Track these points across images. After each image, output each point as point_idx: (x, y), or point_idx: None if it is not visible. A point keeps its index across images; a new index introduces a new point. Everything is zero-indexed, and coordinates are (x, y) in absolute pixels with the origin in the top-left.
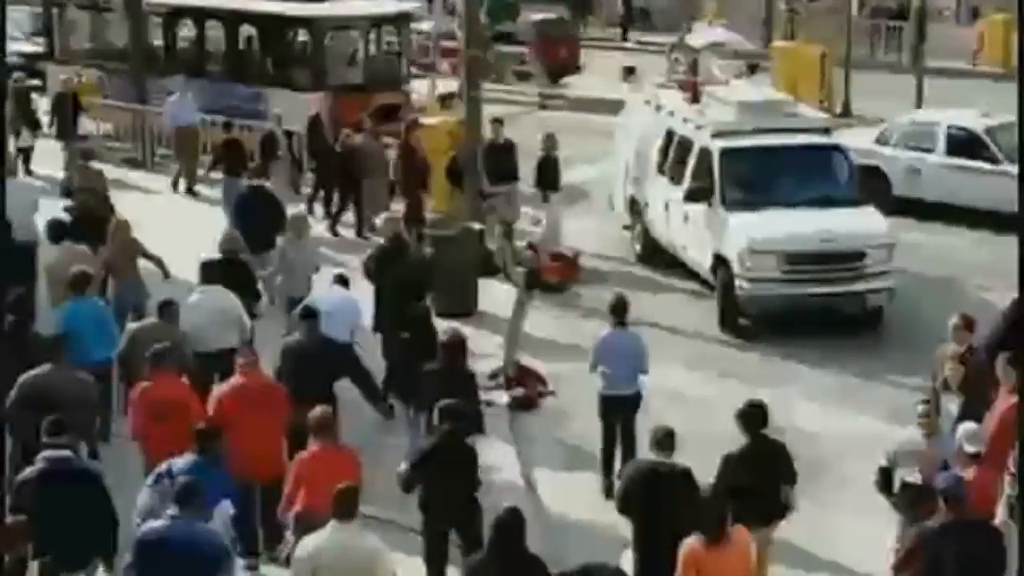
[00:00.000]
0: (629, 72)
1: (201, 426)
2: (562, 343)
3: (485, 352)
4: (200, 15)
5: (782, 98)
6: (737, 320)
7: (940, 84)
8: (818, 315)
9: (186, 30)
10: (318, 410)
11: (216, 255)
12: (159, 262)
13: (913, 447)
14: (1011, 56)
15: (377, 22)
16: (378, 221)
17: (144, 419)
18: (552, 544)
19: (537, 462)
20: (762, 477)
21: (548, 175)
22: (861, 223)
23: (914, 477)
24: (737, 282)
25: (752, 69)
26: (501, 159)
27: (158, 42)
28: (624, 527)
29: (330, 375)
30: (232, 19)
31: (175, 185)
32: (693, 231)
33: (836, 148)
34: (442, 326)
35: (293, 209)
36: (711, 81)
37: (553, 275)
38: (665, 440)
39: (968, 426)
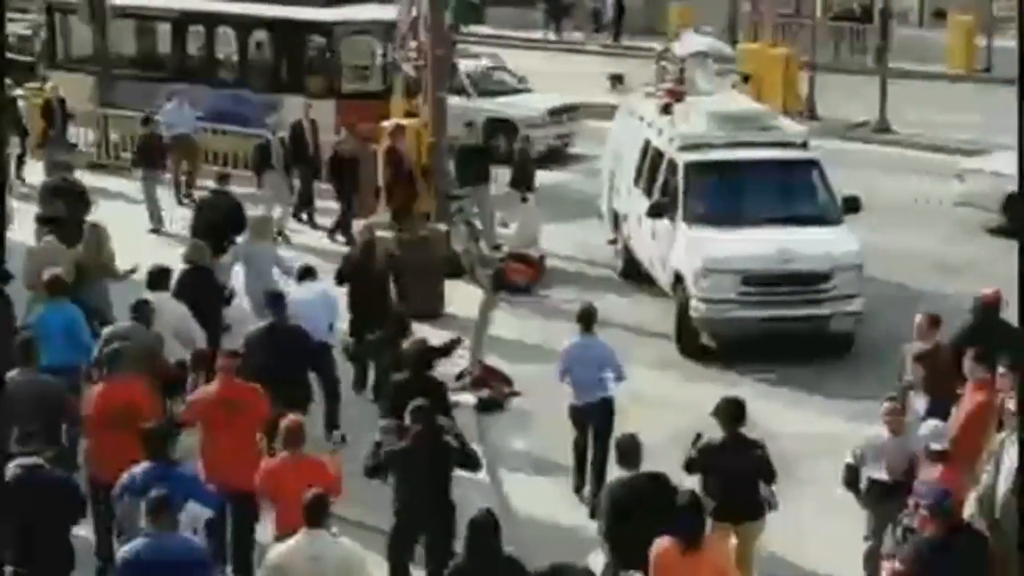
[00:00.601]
0: (617, 80)
1: (148, 427)
2: (528, 344)
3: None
4: (211, 20)
5: (760, 110)
6: (695, 343)
7: (904, 86)
8: (779, 340)
9: (196, 36)
10: (289, 420)
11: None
12: (119, 274)
13: (879, 445)
14: (974, 59)
15: (392, 26)
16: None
17: (95, 420)
18: (520, 544)
19: (504, 463)
20: (738, 473)
21: (523, 175)
22: (828, 243)
23: (880, 474)
24: (692, 303)
25: (746, 79)
26: (472, 161)
27: (166, 48)
28: (592, 527)
29: (301, 361)
30: (245, 24)
31: (177, 195)
32: (657, 247)
33: (811, 163)
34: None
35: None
36: (697, 91)
37: (519, 277)
38: (631, 453)
39: (933, 424)
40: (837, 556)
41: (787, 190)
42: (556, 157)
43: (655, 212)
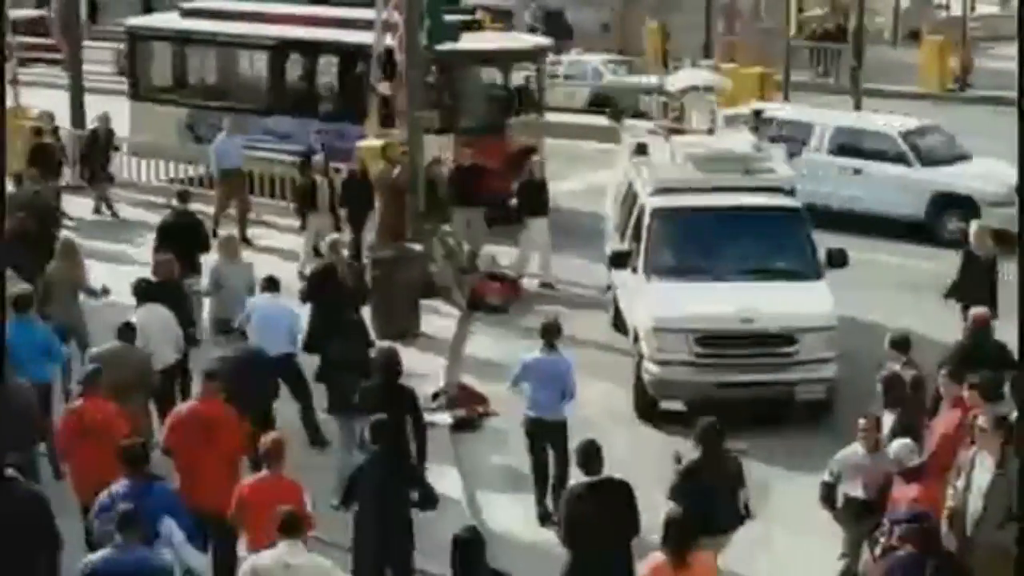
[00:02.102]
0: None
1: (124, 444)
2: (504, 364)
3: (427, 373)
4: (311, 50)
5: (746, 151)
6: (653, 407)
7: (878, 105)
8: (741, 407)
9: (295, 65)
10: (272, 436)
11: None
12: (93, 292)
13: (856, 461)
14: (947, 78)
15: (514, 57)
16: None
17: (70, 439)
18: (494, 564)
19: (479, 482)
20: (718, 488)
21: (530, 199)
22: (797, 301)
23: (857, 491)
24: (644, 364)
25: (757, 115)
26: (467, 183)
27: (261, 78)
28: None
29: (265, 390)
30: (348, 55)
31: (214, 232)
32: (624, 300)
33: (790, 211)
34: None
35: None
36: (693, 128)
37: (495, 297)
38: (594, 459)
39: (903, 442)
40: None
41: (761, 240)
42: None
43: (616, 262)
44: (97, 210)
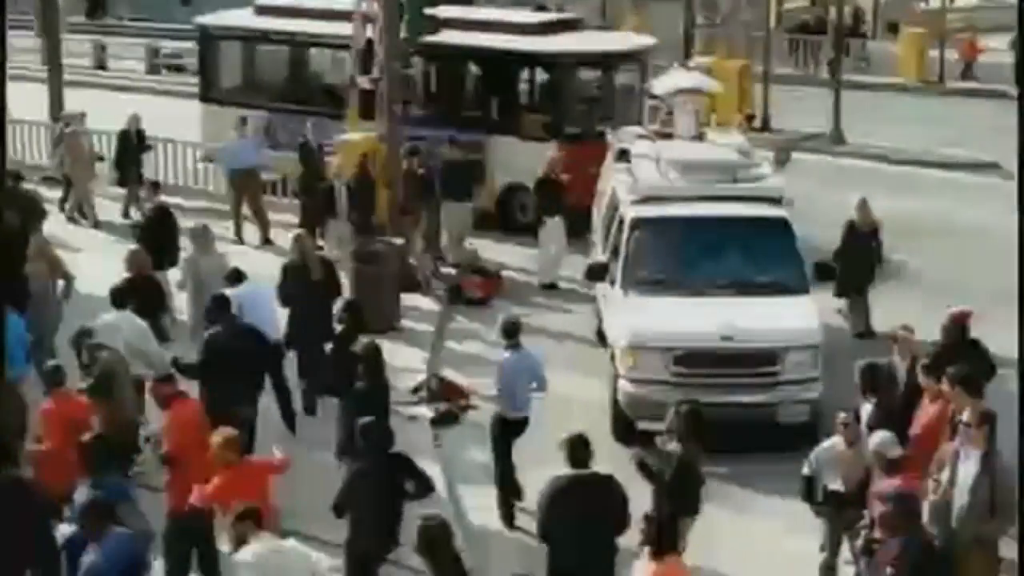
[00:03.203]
0: None
1: (85, 441)
2: (485, 358)
3: (408, 367)
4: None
5: (734, 158)
6: (626, 429)
7: (859, 97)
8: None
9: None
10: (224, 434)
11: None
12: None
13: (835, 455)
14: (926, 70)
15: (619, 58)
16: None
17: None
18: (474, 557)
19: (460, 475)
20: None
21: (547, 197)
22: (780, 318)
23: (836, 485)
24: (619, 383)
25: (750, 119)
26: (458, 176)
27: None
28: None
29: (263, 358)
30: (451, 56)
31: (238, 236)
32: (604, 315)
33: (776, 222)
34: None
35: None
36: (680, 133)
37: (476, 290)
38: (581, 451)
39: (884, 434)
40: (794, 570)
41: (745, 253)
42: None
43: (593, 275)
44: (126, 214)
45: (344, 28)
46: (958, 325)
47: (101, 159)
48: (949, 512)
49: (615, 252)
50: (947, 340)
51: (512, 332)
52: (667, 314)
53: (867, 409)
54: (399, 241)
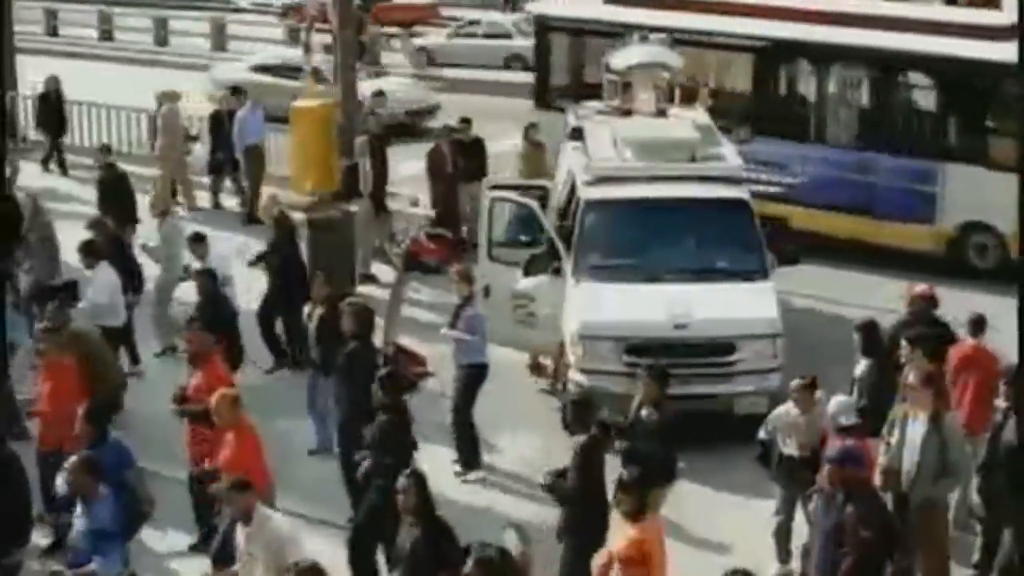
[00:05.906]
0: None
1: (89, 404)
2: (440, 324)
3: None
4: (825, 55)
5: (691, 136)
6: (582, 418)
7: None
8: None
9: (796, 75)
10: (223, 393)
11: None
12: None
13: (790, 421)
14: None
15: None
16: None
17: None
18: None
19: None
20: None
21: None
22: (737, 305)
23: (791, 450)
24: (569, 374)
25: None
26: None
27: (736, 86)
28: (504, 505)
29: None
30: (884, 64)
31: (251, 217)
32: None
33: (736, 203)
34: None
35: None
36: (639, 110)
37: (432, 257)
38: (585, 412)
39: (841, 399)
40: (747, 533)
41: (701, 236)
42: None
43: (530, 269)
44: (46, 167)
45: (763, 27)
46: (924, 302)
47: (195, 139)
48: (898, 475)
49: (567, 236)
50: (910, 317)
51: (472, 281)
52: (619, 302)
53: (861, 366)
54: (355, 208)
